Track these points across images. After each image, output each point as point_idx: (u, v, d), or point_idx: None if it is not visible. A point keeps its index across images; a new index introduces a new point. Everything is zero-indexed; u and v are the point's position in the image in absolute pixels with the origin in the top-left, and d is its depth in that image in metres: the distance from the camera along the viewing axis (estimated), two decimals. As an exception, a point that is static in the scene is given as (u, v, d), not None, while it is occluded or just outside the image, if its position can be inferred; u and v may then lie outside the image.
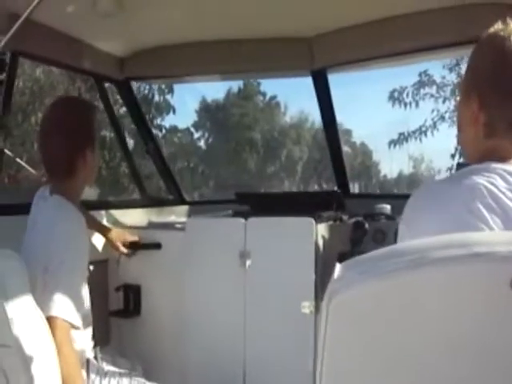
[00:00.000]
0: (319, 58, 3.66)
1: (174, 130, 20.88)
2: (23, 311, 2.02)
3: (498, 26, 1.42)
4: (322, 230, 3.06)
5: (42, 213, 2.50)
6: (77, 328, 2.32)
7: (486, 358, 0.97)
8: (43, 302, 2.16)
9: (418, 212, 1.40)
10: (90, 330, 2.57)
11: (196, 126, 30.79)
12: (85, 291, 2.52)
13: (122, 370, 2.64)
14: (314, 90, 3.79)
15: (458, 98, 1.58)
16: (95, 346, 2.62)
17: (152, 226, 3.72)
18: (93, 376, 2.47)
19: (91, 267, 3.13)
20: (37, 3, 2.01)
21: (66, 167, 2.51)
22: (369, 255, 1.02)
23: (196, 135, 30.33)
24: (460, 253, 0.94)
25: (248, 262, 3.04)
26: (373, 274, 0.96)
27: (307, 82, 3.86)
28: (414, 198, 1.43)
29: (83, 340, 2.48)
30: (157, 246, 3.39)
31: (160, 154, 4.48)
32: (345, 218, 3.36)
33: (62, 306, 2.24)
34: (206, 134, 31.56)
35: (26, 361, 1.97)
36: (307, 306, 2.88)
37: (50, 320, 2.17)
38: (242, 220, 3.10)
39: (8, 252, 2.07)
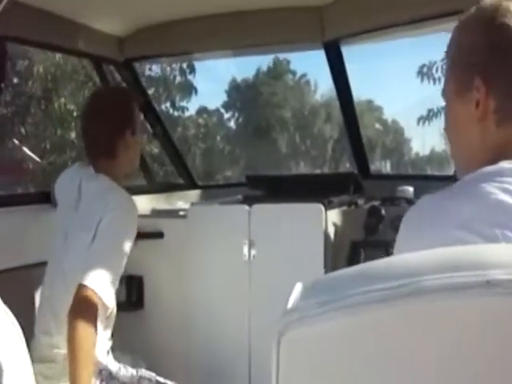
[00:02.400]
0: (331, 28, 3.34)
1: (202, 111, 20.72)
2: None
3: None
4: (332, 216, 2.84)
5: (90, 189, 2.53)
6: (107, 308, 2.29)
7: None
8: (81, 268, 2.20)
9: (411, 233, 1.13)
10: (109, 332, 2.58)
11: (226, 106, 30.61)
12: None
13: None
14: (328, 64, 3.50)
15: (446, 101, 1.30)
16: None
17: (155, 213, 3.55)
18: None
19: None
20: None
21: (106, 149, 2.57)
22: (334, 277, 0.75)
23: (226, 115, 30.18)
24: (466, 280, 0.66)
25: (253, 252, 2.87)
26: (335, 307, 0.69)
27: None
28: (407, 216, 1.15)
29: (101, 341, 2.39)
30: (159, 234, 3.25)
31: (168, 136, 4.25)
32: (360, 202, 3.10)
33: (99, 281, 2.20)
34: (236, 115, 31.38)
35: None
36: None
37: (80, 288, 2.14)
38: (246, 207, 2.92)
39: None
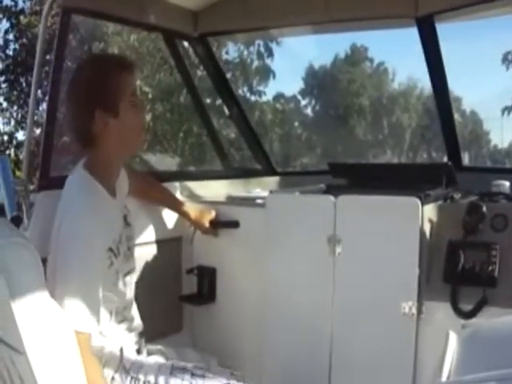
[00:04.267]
0: (425, 1, 3.06)
1: (279, 96, 20.58)
2: (37, 312, 1.66)
3: None
4: (429, 212, 2.56)
5: (65, 190, 2.23)
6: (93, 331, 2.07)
7: None
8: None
9: None
10: (126, 322, 2.35)
11: (303, 92, 30.45)
12: (110, 281, 2.21)
13: (165, 367, 2.31)
14: (421, 42, 3.21)
15: None
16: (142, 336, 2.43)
17: (230, 200, 3.38)
18: (123, 372, 2.21)
19: (161, 246, 3.04)
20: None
21: (82, 138, 2.22)
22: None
23: (303, 102, 30.01)
24: None
25: (338, 249, 2.63)
26: None
27: (416, 48, 3.28)
28: None
29: (116, 334, 2.26)
30: (234, 224, 3.06)
31: (246, 120, 4.05)
32: (456, 196, 2.82)
33: (73, 313, 1.98)
34: (313, 101, 31.22)
35: (41, 370, 1.57)
36: (408, 308, 2.40)
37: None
38: (332, 198, 2.67)
39: (19, 240, 1.65)
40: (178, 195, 3.17)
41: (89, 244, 2.06)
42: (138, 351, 2.35)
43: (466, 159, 28.96)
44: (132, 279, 2.38)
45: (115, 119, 2.16)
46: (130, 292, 2.35)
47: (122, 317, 2.29)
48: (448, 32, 3.55)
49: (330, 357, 2.68)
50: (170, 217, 3.07)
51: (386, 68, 31.83)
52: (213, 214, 3.04)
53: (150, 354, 2.39)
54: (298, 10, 3.30)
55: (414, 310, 2.42)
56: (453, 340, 0.54)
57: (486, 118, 32.17)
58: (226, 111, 4.04)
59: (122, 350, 2.21)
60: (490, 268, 2.38)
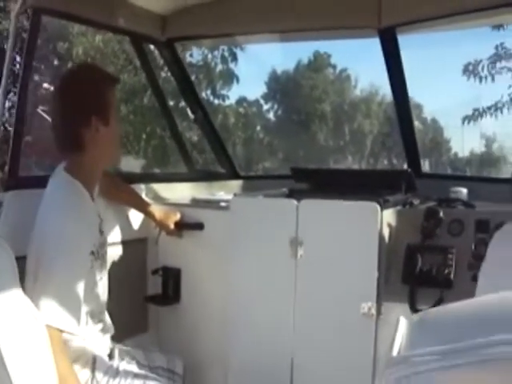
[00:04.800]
0: (388, 14, 3.15)
1: (241, 100, 20.62)
2: (9, 308, 1.71)
3: None
4: (388, 216, 2.65)
5: (47, 192, 2.26)
6: (71, 334, 2.08)
7: None
8: (33, 303, 1.92)
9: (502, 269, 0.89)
10: (101, 325, 2.39)
11: (265, 97, 30.51)
12: (90, 284, 2.25)
13: (138, 371, 2.45)
14: (382, 53, 3.31)
15: None
16: (114, 339, 2.51)
17: (195, 203, 3.39)
18: (99, 376, 2.27)
19: (127, 247, 3.06)
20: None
21: (70, 141, 2.28)
22: (459, 312, 0.55)
23: (265, 107, 30.05)
24: None
25: (300, 252, 2.69)
26: (470, 361, 0.49)
27: (379, 55, 3.37)
28: (501, 245, 0.92)
29: (90, 335, 2.29)
30: (199, 226, 3.10)
31: (210, 123, 4.09)
32: (415, 202, 2.91)
33: (54, 311, 2.01)
34: (276, 106, 31.28)
35: (13, 364, 1.61)
36: (367, 308, 2.47)
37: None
38: (294, 202, 2.73)
39: None
40: (144, 197, 3.19)
41: (75, 245, 2.11)
42: (111, 353, 2.40)
43: (426, 166, 29.25)
44: (105, 283, 2.43)
45: (106, 127, 2.27)
46: (103, 295, 2.39)
47: (97, 319, 2.34)
48: (411, 42, 3.65)
49: (292, 355, 2.74)
50: (135, 218, 3.11)
51: (348, 74, 32.03)
52: (178, 216, 3.08)
53: (121, 355, 2.45)
54: (264, 19, 3.39)
55: (374, 311, 2.49)
56: (403, 323, 0.60)
57: (446, 126, 32.52)
58: (191, 114, 4.07)
59: (97, 354, 2.27)
60: (447, 270, 2.49)
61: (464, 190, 3.06)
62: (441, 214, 2.61)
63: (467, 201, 2.95)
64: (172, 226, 3.06)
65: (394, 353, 0.57)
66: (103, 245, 2.41)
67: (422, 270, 2.52)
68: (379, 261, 2.52)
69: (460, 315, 0.57)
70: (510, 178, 3.17)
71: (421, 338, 0.55)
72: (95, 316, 2.32)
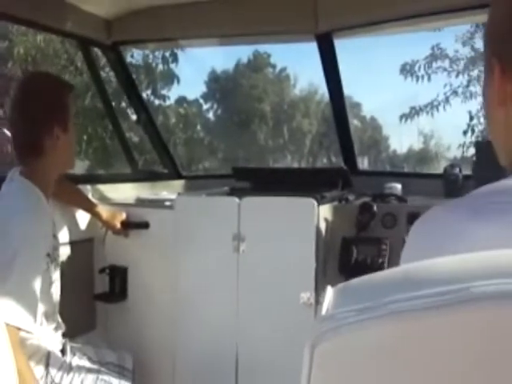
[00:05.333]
0: (324, 19, 3.30)
1: (181, 100, 20.56)
2: None
3: None
4: (324, 211, 2.79)
5: (4, 195, 2.29)
6: (28, 332, 2.12)
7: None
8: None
9: (421, 256, 1.00)
10: (54, 324, 2.44)
11: (205, 96, 30.48)
12: (45, 285, 2.29)
13: (90, 365, 2.51)
14: (319, 57, 3.46)
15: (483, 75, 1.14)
16: (66, 335, 2.53)
17: (140, 202, 3.47)
18: (53, 371, 2.33)
19: (75, 247, 3.08)
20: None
21: (32, 148, 2.31)
22: (374, 280, 0.68)
23: (205, 106, 30.02)
24: None
25: (242, 246, 2.80)
26: (377, 314, 0.62)
27: (317, 56, 3.51)
28: (419, 231, 1.02)
29: (44, 334, 2.33)
30: (144, 224, 3.17)
31: (154, 125, 4.18)
32: (351, 198, 3.07)
33: (12, 309, 2.03)
34: (215, 105, 31.26)
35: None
36: (306, 298, 2.60)
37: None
38: (236, 199, 2.84)
39: None
40: (90, 198, 3.24)
41: (34, 247, 2.16)
42: (63, 349, 2.45)
43: (365, 163, 29.65)
44: (58, 285, 2.47)
45: (65, 134, 2.34)
46: (56, 296, 2.44)
47: (51, 319, 2.39)
48: (349, 43, 3.81)
49: (236, 345, 2.84)
50: (82, 218, 3.15)
51: (287, 74, 32.20)
52: (123, 216, 3.14)
53: (72, 352, 2.50)
54: (206, 24, 3.50)
55: (312, 300, 2.62)
56: (329, 291, 0.71)
57: (385, 124, 33.04)
58: (135, 115, 4.16)
59: (51, 350, 2.33)
60: (380, 260, 2.65)
61: (398, 186, 3.23)
62: (374, 208, 2.77)
63: (401, 195, 3.12)
64: (118, 226, 3.12)
65: (323, 313, 0.69)
66: (56, 248, 2.46)
67: (357, 261, 2.67)
68: (317, 253, 2.65)
69: (378, 280, 0.70)
70: (441, 174, 3.34)
71: (343, 300, 0.68)
72: (49, 316, 2.37)
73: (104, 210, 3.13)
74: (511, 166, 1.01)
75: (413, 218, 2.70)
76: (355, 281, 0.70)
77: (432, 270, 0.66)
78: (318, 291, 2.63)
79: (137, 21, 3.56)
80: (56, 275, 2.43)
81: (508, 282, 0.60)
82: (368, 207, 2.79)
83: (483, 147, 3.09)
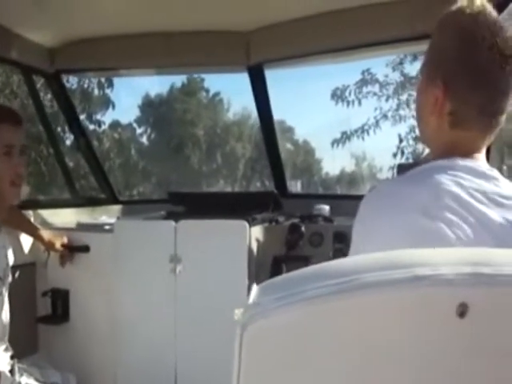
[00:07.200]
0: (256, 52, 3.52)
1: (115, 125, 20.51)
2: None
3: (462, 2, 1.24)
4: (256, 232, 2.96)
5: None
6: None
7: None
8: None
9: (369, 216, 1.25)
10: (4, 346, 2.50)
11: (138, 121, 30.34)
12: None
13: None
14: (251, 86, 3.66)
15: (418, 84, 1.37)
16: (14, 357, 2.55)
17: (80, 227, 3.54)
18: None
19: (17, 271, 3.07)
20: None
21: None
22: (289, 276, 0.88)
23: (138, 131, 29.87)
24: (399, 276, 0.80)
25: (179, 267, 2.94)
26: (292, 300, 0.82)
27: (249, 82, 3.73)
28: (366, 200, 1.27)
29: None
30: (85, 248, 3.24)
31: (92, 150, 4.30)
32: (281, 219, 3.26)
33: None
34: (149, 130, 31.11)
35: None
36: (240, 314, 2.75)
37: None
38: (173, 223, 2.99)
39: None
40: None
41: None
42: (12, 370, 2.49)
43: (298, 186, 29.91)
44: (7, 308, 2.53)
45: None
46: (6, 319, 2.51)
47: (2, 340, 2.47)
48: (282, 72, 4.00)
49: (175, 363, 2.97)
50: (25, 243, 3.21)
51: (221, 98, 32.31)
52: (65, 240, 3.19)
53: (20, 373, 2.54)
54: (143, 54, 3.67)
55: (245, 316, 2.77)
56: (254, 288, 0.91)
57: (318, 147, 33.39)
58: (69, 141, 4.26)
59: (1, 370, 2.39)
60: (307, 277, 2.83)
61: (326, 207, 3.41)
62: (302, 228, 2.97)
63: (328, 216, 3.31)
64: (60, 249, 3.17)
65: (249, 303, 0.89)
66: (6, 271, 2.53)
67: (286, 278, 2.86)
68: (249, 271, 2.80)
69: (294, 276, 0.90)
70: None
71: (266, 291, 0.88)
72: (0, 339, 2.44)
73: (46, 234, 3.17)
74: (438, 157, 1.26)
75: (339, 236, 2.89)
76: (276, 278, 0.91)
77: (336, 266, 0.88)
78: (251, 306, 2.78)
79: (78, 50, 3.69)
80: (5, 299, 2.49)
81: (390, 272, 0.81)
82: (296, 227, 2.98)
83: (404, 169, 3.31)
